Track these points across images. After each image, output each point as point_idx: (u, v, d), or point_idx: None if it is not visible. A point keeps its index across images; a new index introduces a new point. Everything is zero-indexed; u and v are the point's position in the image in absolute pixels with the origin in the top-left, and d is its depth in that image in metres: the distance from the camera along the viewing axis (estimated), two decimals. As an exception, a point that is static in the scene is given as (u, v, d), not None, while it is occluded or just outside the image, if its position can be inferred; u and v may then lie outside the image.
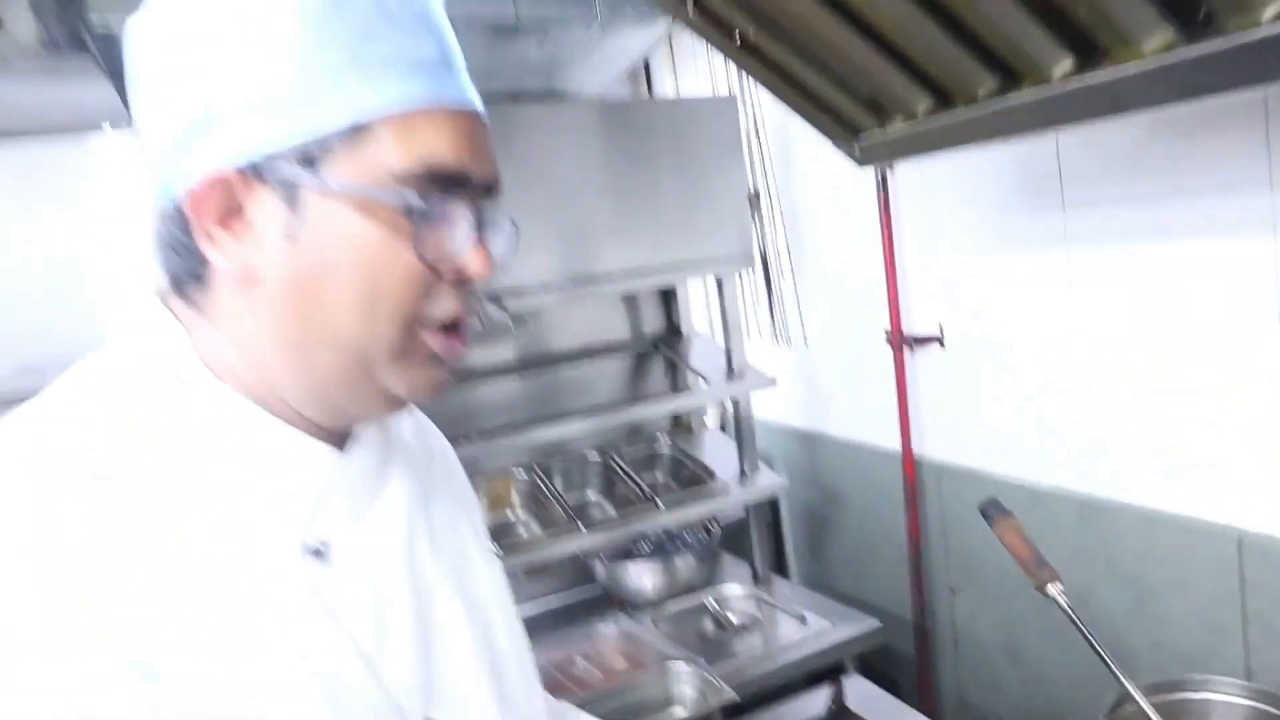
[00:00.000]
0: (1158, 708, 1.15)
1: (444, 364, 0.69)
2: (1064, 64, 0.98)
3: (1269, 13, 0.78)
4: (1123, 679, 1.15)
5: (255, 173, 0.62)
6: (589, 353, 2.35)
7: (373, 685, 0.66)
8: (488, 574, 0.85)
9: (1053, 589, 1.22)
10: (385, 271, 0.64)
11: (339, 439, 0.71)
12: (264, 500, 0.66)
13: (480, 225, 0.67)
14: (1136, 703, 1.15)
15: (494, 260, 0.68)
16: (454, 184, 0.65)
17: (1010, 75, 1.04)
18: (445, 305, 0.67)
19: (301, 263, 0.63)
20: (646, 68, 2.61)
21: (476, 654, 0.76)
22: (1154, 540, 1.49)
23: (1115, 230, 1.48)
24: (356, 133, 0.62)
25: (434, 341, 0.67)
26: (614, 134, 1.98)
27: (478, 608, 0.80)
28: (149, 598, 0.58)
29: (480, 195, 0.68)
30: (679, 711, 1.71)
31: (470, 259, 0.66)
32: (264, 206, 0.63)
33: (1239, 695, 1.18)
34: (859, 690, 1.76)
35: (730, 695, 1.59)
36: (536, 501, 2.20)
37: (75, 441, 0.62)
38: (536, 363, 2.28)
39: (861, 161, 1.34)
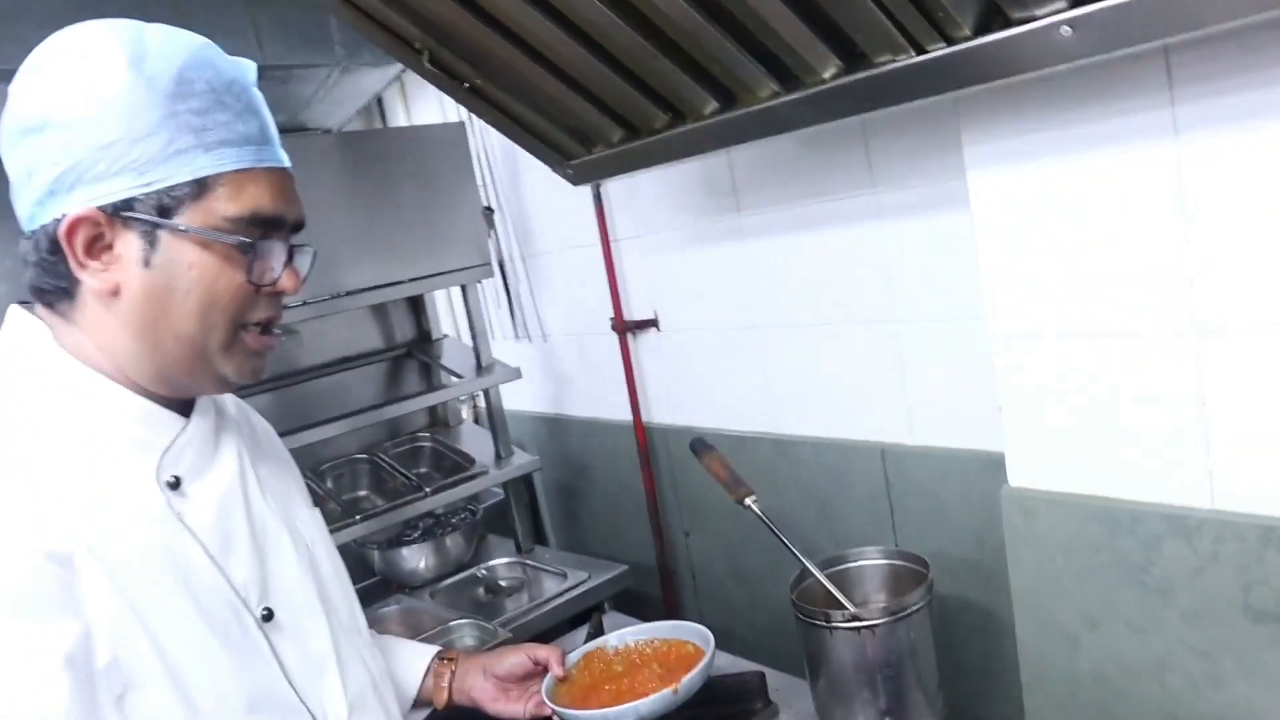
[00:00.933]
0: (828, 576, 1.55)
1: (262, 356, 0.95)
2: (711, 104, 1.34)
3: (827, 74, 1.16)
4: (801, 558, 1.53)
5: (119, 216, 0.84)
6: (346, 362, 2.53)
7: (222, 581, 0.91)
8: (311, 518, 1.12)
9: (749, 500, 1.60)
10: (220, 289, 0.90)
11: (181, 408, 0.94)
12: (128, 447, 0.90)
13: (290, 254, 0.93)
14: (813, 575, 1.55)
15: (300, 278, 0.96)
16: (272, 224, 0.91)
17: (677, 113, 1.40)
18: (263, 311, 0.94)
19: (156, 282, 0.87)
20: (380, 102, 2.82)
21: (301, 568, 1.03)
22: (826, 461, 1.91)
23: (774, 226, 1.89)
24: (199, 188, 0.86)
25: (252, 340, 0.94)
26: (355, 163, 2.18)
27: (302, 539, 1.06)
28: (52, 518, 0.81)
29: (290, 230, 0.94)
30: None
31: (284, 279, 0.93)
32: (126, 241, 0.86)
33: (880, 557, 1.61)
34: (615, 621, 2.08)
35: (505, 635, 1.86)
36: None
37: None
38: (294, 375, 2.43)
39: (574, 181, 1.66)
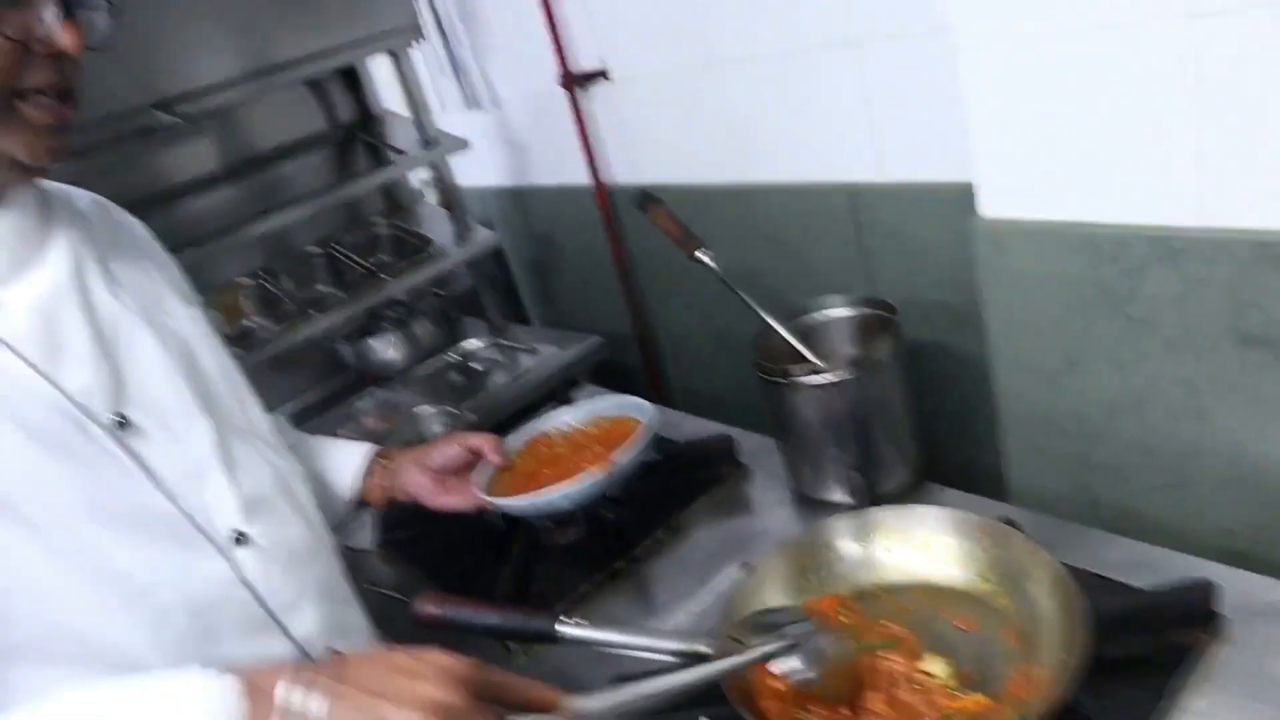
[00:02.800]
0: (792, 329, 1.45)
1: (60, 131, 0.80)
2: None
3: None
4: (759, 311, 1.42)
5: None
6: (289, 150, 2.35)
7: (49, 389, 0.81)
8: (188, 315, 1.01)
9: (700, 254, 1.47)
10: None
11: None
12: None
13: (70, 4, 0.76)
14: (774, 328, 1.44)
15: (87, 34, 0.78)
16: None
17: None
18: (39, 76, 0.77)
19: None
20: None
21: (170, 370, 0.92)
22: (793, 208, 1.77)
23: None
24: None
25: (36, 111, 0.78)
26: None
27: (175, 338, 0.96)
28: None
29: None
30: (433, 446, 1.90)
31: (59, 34, 0.76)
32: None
33: (847, 306, 1.50)
34: (587, 392, 2.02)
35: (471, 419, 1.81)
36: (267, 304, 2.25)
37: None
38: (239, 168, 2.27)
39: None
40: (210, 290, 2.12)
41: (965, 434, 1.60)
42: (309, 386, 2.40)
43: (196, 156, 2.20)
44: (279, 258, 2.32)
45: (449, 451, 1.28)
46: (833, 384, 1.33)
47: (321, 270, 2.37)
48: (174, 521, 0.87)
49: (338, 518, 1.22)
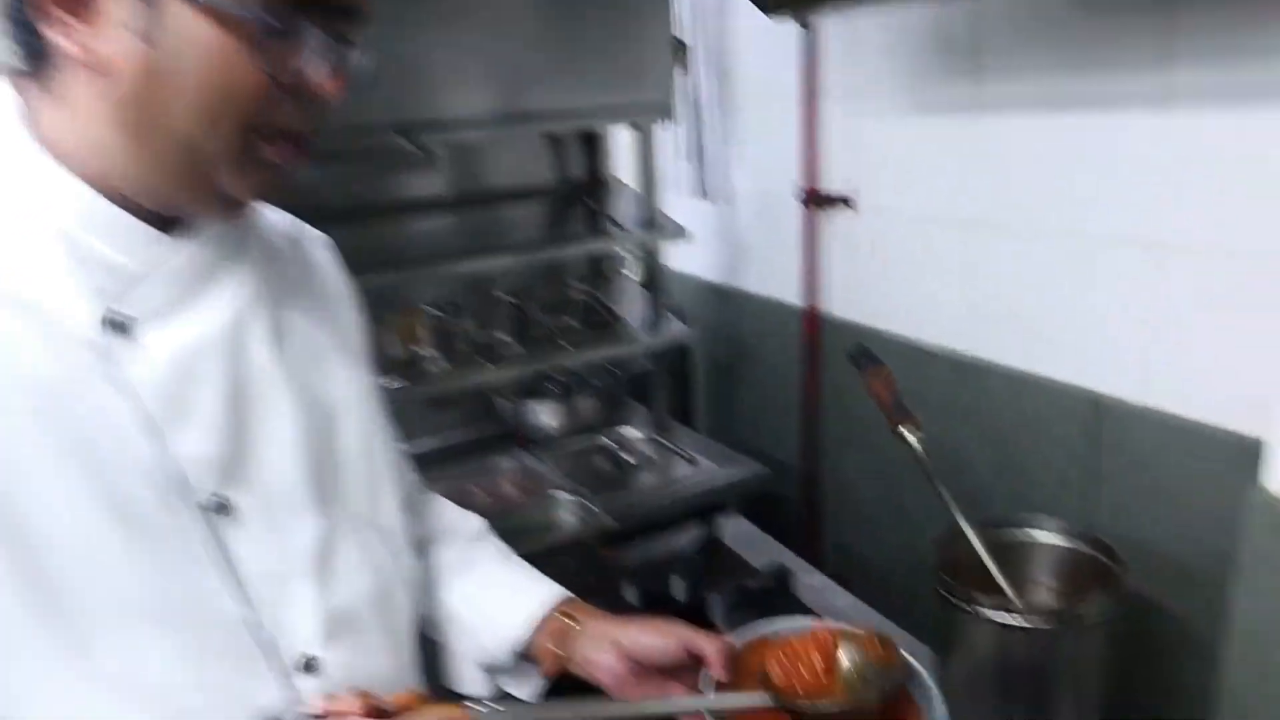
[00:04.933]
0: (987, 544, 1.24)
1: (279, 170, 0.72)
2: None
3: None
4: (956, 512, 1.23)
5: None
6: (512, 195, 2.33)
7: (153, 455, 0.70)
8: (347, 378, 0.89)
9: (904, 429, 1.29)
10: (232, 80, 0.66)
11: (173, 229, 0.73)
12: (74, 268, 0.68)
13: (333, 47, 0.69)
14: (968, 537, 1.24)
15: (343, 81, 0.71)
16: (313, 7, 0.67)
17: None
18: (286, 117, 0.70)
19: (155, 63, 0.65)
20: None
21: (301, 450, 0.80)
22: (1019, 400, 1.56)
23: (1024, 100, 1.49)
24: None
25: (271, 150, 0.70)
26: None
27: (321, 407, 0.84)
28: None
29: (339, 17, 0.70)
30: (557, 538, 1.76)
31: (321, 79, 0.69)
32: (120, 2, 0.63)
33: (1060, 534, 1.28)
34: (737, 529, 1.85)
35: (607, 522, 1.67)
36: (444, 338, 2.22)
37: None
38: (459, 202, 2.26)
39: (767, 9, 1.33)
40: (395, 313, 2.10)
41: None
42: (456, 428, 2.34)
43: (418, 180, 2.20)
44: (467, 295, 2.28)
45: (659, 644, 0.96)
46: (1024, 630, 1.11)
47: (506, 319, 2.32)
48: (236, 633, 0.73)
49: (487, 659, 1.01)
